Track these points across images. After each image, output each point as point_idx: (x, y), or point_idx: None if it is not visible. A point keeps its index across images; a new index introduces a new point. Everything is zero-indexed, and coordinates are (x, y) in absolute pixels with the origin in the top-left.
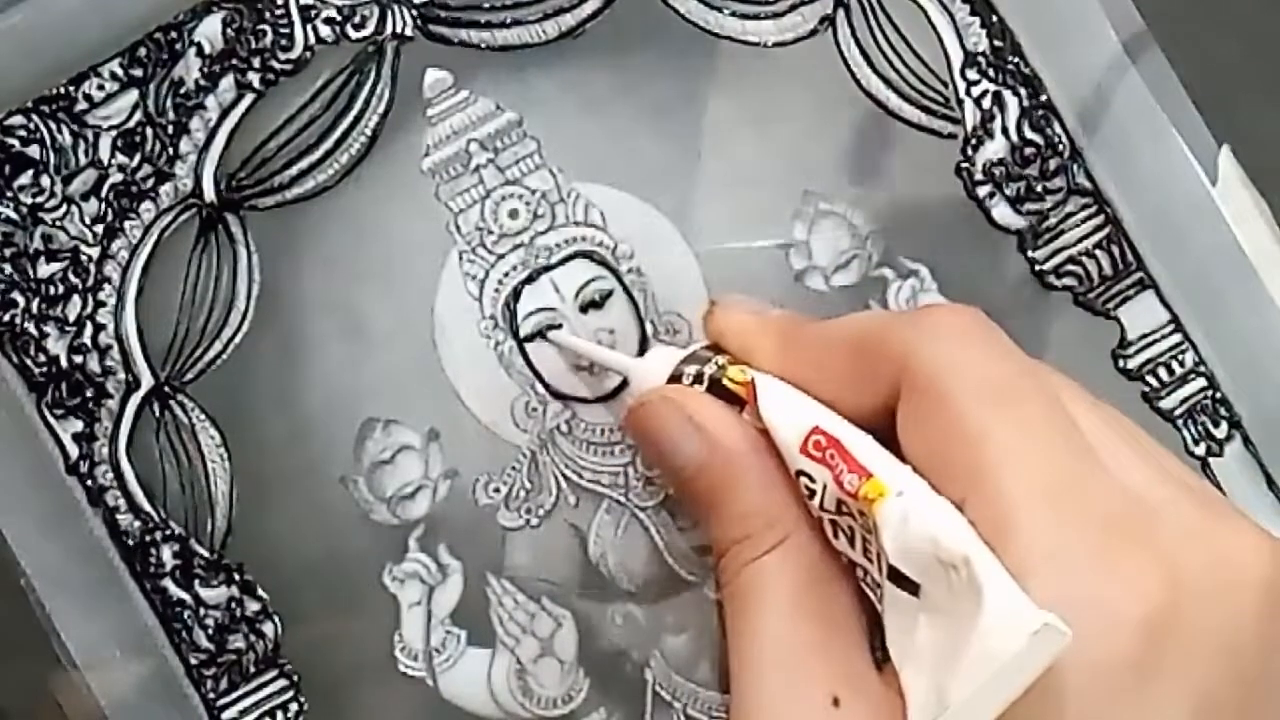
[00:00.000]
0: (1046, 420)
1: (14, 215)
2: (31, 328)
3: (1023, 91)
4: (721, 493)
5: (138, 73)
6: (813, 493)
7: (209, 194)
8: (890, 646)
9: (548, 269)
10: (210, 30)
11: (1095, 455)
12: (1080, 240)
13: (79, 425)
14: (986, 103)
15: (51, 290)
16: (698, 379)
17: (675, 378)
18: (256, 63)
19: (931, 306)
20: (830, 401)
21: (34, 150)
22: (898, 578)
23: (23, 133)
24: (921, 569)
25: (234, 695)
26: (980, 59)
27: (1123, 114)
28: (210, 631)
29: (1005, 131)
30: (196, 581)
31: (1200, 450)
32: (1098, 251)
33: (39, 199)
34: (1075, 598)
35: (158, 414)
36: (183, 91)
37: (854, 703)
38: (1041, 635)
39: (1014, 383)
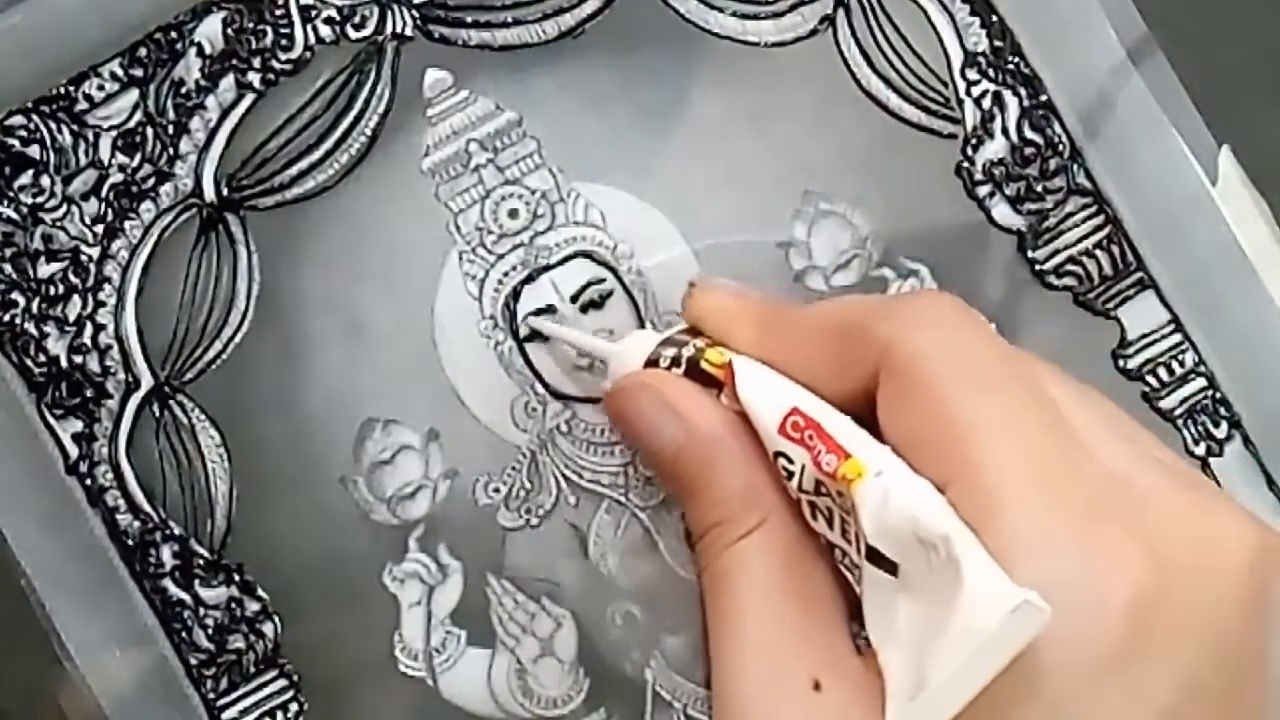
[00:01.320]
0: (1029, 404)
1: (14, 215)
2: (31, 328)
3: (1023, 91)
4: (699, 476)
5: (138, 73)
6: (791, 474)
7: (209, 194)
8: (869, 628)
9: (548, 269)
10: (210, 30)
11: (1078, 438)
12: (1080, 240)
13: (79, 425)
14: (986, 103)
15: (51, 290)
16: (675, 362)
17: (653, 361)
18: (257, 63)
19: (912, 293)
20: (809, 385)
21: (34, 150)
22: (876, 558)
23: (23, 133)
24: (900, 549)
25: (234, 695)
26: (980, 59)
27: (1123, 114)
28: (210, 631)
29: (1005, 131)
30: (196, 581)
31: (1200, 450)
32: (1098, 251)
33: (39, 199)
34: (1061, 580)
35: (157, 414)
36: (183, 91)
37: (835, 686)
38: (1020, 612)
39: (996, 367)
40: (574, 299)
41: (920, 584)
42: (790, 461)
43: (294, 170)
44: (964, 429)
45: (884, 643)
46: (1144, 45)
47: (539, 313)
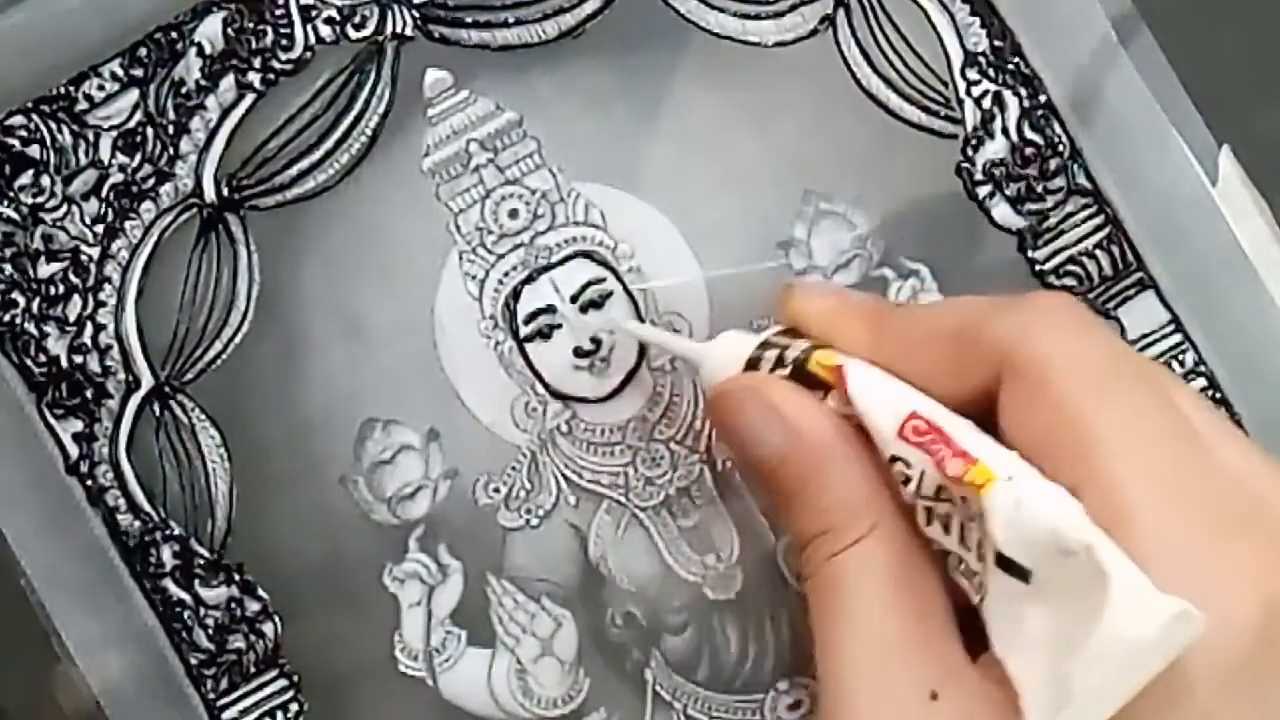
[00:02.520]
0: (1156, 409)
1: (14, 215)
2: (32, 328)
3: (1023, 91)
4: (805, 483)
5: (138, 73)
6: (908, 479)
7: (209, 194)
8: (993, 635)
9: (548, 269)
10: (211, 30)
11: (1204, 444)
12: (1080, 240)
13: (79, 425)
14: (987, 103)
15: (52, 290)
16: (778, 364)
17: (753, 364)
18: (257, 63)
19: (1031, 294)
20: (923, 388)
21: (34, 150)
22: (1007, 564)
23: (23, 133)
24: (1034, 555)
25: (234, 695)
26: (980, 59)
27: (1123, 114)
28: (210, 631)
29: (1005, 131)
30: (196, 581)
31: None
32: (1098, 251)
33: (39, 199)
34: (1194, 587)
35: (158, 414)
36: (183, 91)
37: (953, 695)
38: (1176, 622)
39: (1121, 370)
40: (574, 299)
41: (1055, 592)
42: (908, 466)
43: (294, 170)
44: (1092, 434)
45: (1013, 651)
46: (1143, 44)
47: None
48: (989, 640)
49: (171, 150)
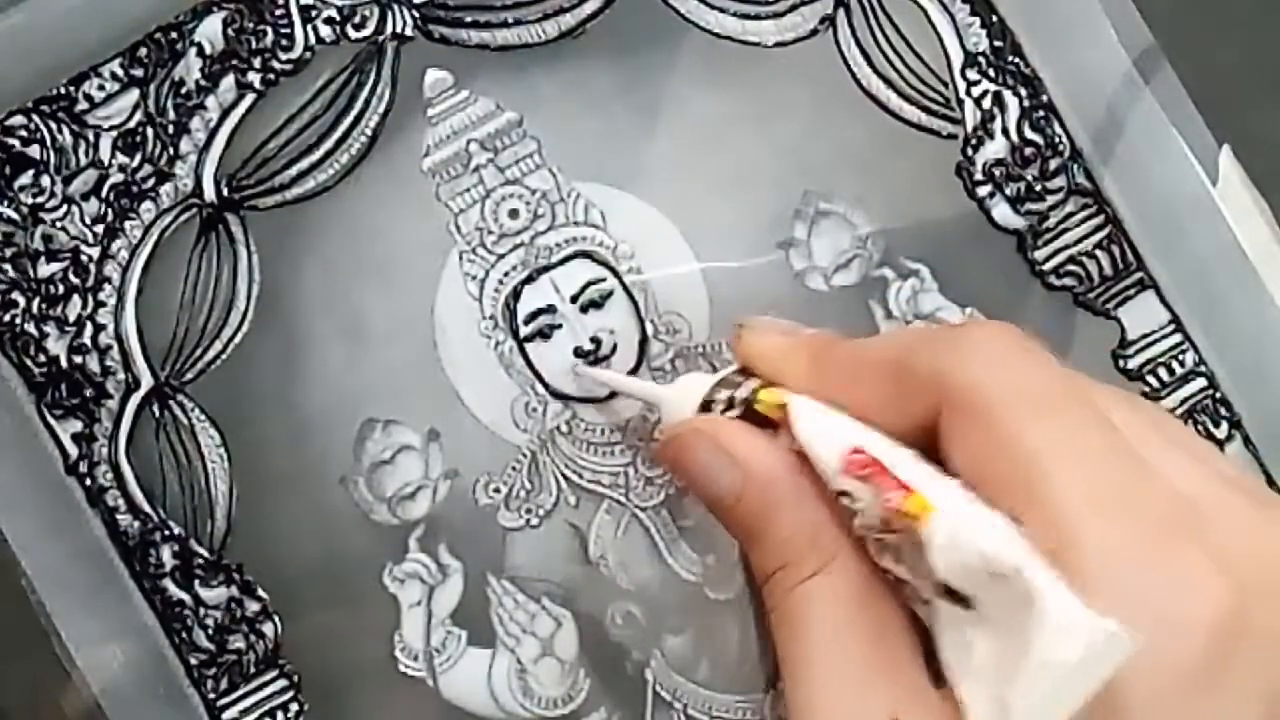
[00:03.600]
0: (1090, 427)
1: (14, 215)
2: (31, 328)
3: (1023, 92)
4: (761, 520)
5: (138, 73)
6: (855, 512)
7: (209, 194)
8: (945, 662)
9: (548, 269)
10: (211, 30)
11: (1142, 459)
12: (1080, 240)
13: (79, 425)
14: (987, 103)
15: (52, 290)
16: (730, 405)
17: (706, 405)
18: (257, 63)
19: (967, 323)
20: (868, 420)
21: (34, 150)
22: (949, 592)
23: (23, 133)
24: (972, 582)
25: (234, 695)
26: (980, 59)
27: (1123, 113)
28: (210, 631)
29: (1005, 132)
30: (196, 582)
31: None
32: (1098, 251)
33: (39, 199)
34: (1140, 605)
35: (157, 414)
36: (183, 91)
37: None
38: (1106, 642)
39: (1054, 392)
40: (574, 299)
41: (995, 617)
42: (854, 500)
43: (294, 170)
44: (1029, 458)
45: (962, 676)
46: (1144, 45)
47: (538, 313)
48: (941, 667)
49: (171, 150)
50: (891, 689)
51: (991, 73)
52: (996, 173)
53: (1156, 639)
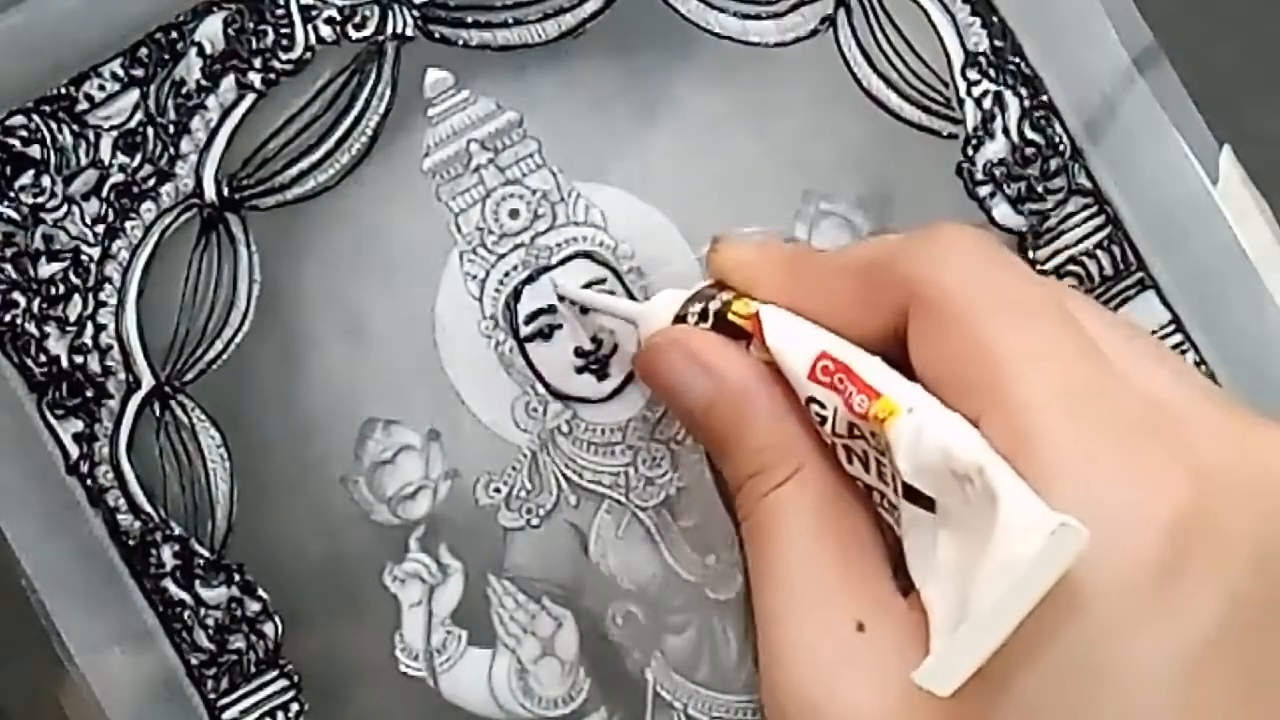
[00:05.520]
0: (1059, 329)
1: (15, 215)
2: (32, 328)
3: (1023, 91)
4: (733, 428)
5: (139, 73)
6: (824, 419)
7: (210, 194)
8: (910, 567)
9: (548, 269)
10: (211, 30)
11: (1109, 361)
12: (1081, 240)
13: (79, 425)
14: (987, 103)
15: (52, 290)
16: (703, 316)
17: (681, 318)
18: (257, 63)
19: (938, 225)
20: (838, 328)
21: (35, 150)
22: (913, 495)
23: (24, 133)
24: (936, 484)
25: (235, 695)
26: (981, 59)
27: (1124, 113)
28: (211, 631)
29: (1006, 131)
30: (197, 581)
31: None
32: (1098, 251)
33: (40, 199)
34: (1101, 502)
35: (158, 414)
36: (184, 91)
37: (879, 627)
38: (1058, 536)
39: (1024, 295)
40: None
41: (958, 518)
42: (822, 407)
43: (295, 170)
44: (995, 359)
45: (926, 580)
46: (1144, 44)
47: (539, 313)
48: (909, 571)
49: (172, 150)
50: (858, 596)
51: (992, 73)
52: (997, 172)
53: (1117, 533)
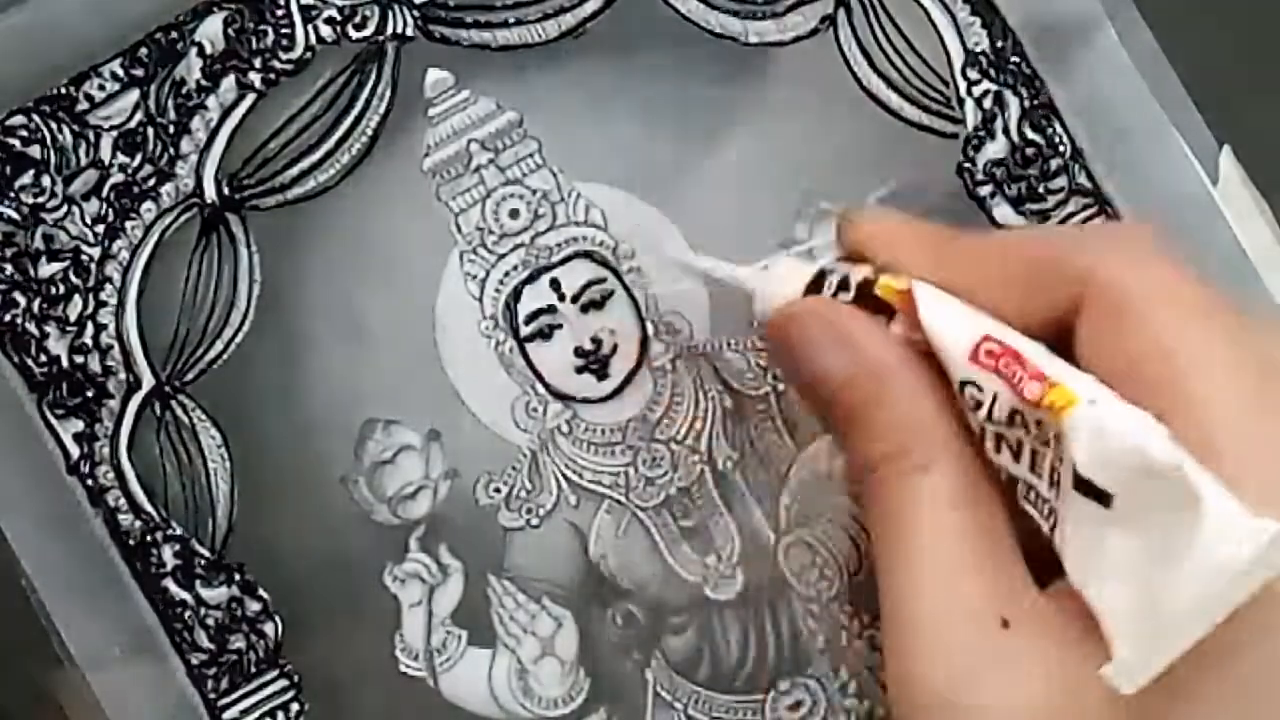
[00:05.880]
0: (1242, 337)
1: (15, 215)
2: (32, 328)
3: (1024, 91)
4: (869, 407)
5: (139, 73)
6: (979, 404)
7: (210, 194)
8: (1069, 563)
9: (548, 269)
10: (211, 30)
11: None
12: None
13: (80, 425)
14: (988, 103)
15: (52, 290)
16: (842, 287)
17: (814, 286)
18: (258, 63)
19: (1109, 224)
20: (993, 313)
21: (35, 150)
22: (1087, 489)
23: (24, 133)
24: (1117, 479)
25: (235, 695)
26: (981, 59)
27: (1124, 113)
28: (211, 631)
29: (1006, 131)
30: (197, 581)
31: None
32: None
33: (40, 199)
34: None
35: (158, 414)
36: (184, 91)
37: (1025, 623)
38: (1272, 544)
39: (1203, 299)
40: (574, 299)
41: (1140, 516)
42: (980, 390)
43: (295, 170)
44: (1178, 360)
45: (1092, 577)
46: (1144, 44)
47: (539, 313)
48: (1065, 568)
49: (172, 150)
50: (999, 590)
51: (992, 72)
52: (997, 172)
53: None
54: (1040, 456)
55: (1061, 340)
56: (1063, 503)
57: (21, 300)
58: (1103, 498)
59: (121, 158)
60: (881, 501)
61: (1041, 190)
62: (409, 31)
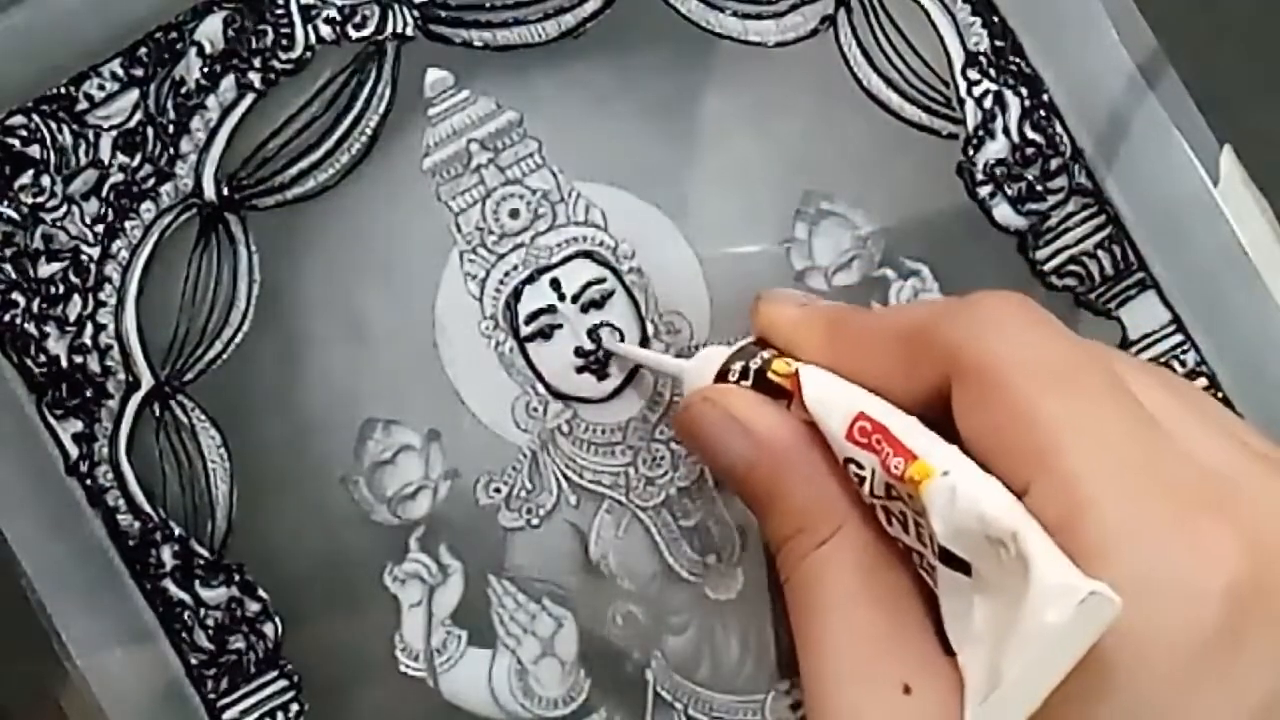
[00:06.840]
0: (1108, 398)
1: (14, 215)
2: (32, 328)
3: (1024, 91)
4: (773, 488)
5: (138, 72)
6: (862, 480)
7: (209, 194)
8: (948, 629)
9: (548, 269)
10: (211, 30)
11: (1160, 428)
12: (1081, 240)
13: (79, 425)
14: (988, 103)
15: (52, 290)
16: (743, 374)
17: (722, 375)
18: (257, 62)
19: (980, 294)
20: (879, 391)
21: (34, 150)
22: (949, 559)
23: (23, 133)
24: (972, 548)
25: (235, 695)
26: (981, 59)
27: (1124, 113)
28: (211, 632)
29: (1006, 131)
30: (197, 582)
31: None
32: (1099, 252)
33: (39, 199)
34: (1154, 573)
35: (158, 414)
36: (183, 91)
37: (926, 688)
38: (1089, 604)
39: (1070, 362)
40: (575, 299)
41: (994, 583)
42: (860, 467)
43: (294, 170)
44: (1044, 428)
45: (963, 643)
46: (1144, 44)
47: (539, 313)
48: (946, 633)
49: (172, 150)
50: (904, 658)
51: (992, 73)
52: (998, 172)
53: (1169, 604)
54: (921, 528)
55: (947, 413)
56: (937, 572)
57: (21, 300)
58: (964, 567)
59: (121, 157)
60: (791, 578)
61: (1041, 190)
62: (409, 31)
